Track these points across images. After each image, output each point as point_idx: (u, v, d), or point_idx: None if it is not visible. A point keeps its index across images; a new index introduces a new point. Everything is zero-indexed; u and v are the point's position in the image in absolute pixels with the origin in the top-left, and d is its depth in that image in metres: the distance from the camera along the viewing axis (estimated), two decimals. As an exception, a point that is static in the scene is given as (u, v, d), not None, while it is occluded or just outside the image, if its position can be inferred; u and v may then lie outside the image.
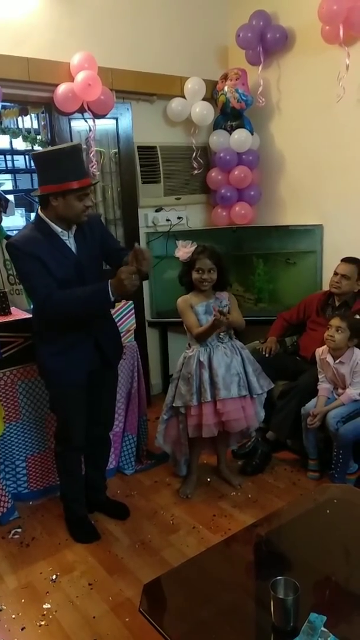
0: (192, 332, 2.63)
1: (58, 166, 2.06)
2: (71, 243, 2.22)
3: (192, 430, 2.64)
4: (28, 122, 3.76)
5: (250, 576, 1.72)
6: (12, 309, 2.76)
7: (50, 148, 2.69)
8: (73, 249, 2.21)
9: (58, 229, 2.16)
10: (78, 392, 2.33)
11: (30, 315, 2.46)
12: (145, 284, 3.94)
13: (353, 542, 1.81)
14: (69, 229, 2.20)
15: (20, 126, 3.87)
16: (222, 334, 2.65)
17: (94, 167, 3.36)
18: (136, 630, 1.91)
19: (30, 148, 3.65)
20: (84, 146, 3.37)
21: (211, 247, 2.63)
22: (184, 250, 2.60)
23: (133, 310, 2.95)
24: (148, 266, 2.08)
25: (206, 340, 2.63)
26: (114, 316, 2.57)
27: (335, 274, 3.07)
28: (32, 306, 2.42)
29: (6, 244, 2.16)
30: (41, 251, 2.09)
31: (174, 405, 2.68)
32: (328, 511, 1.99)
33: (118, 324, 2.62)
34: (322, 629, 1.25)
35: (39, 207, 2.20)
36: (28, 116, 3.57)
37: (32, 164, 2.24)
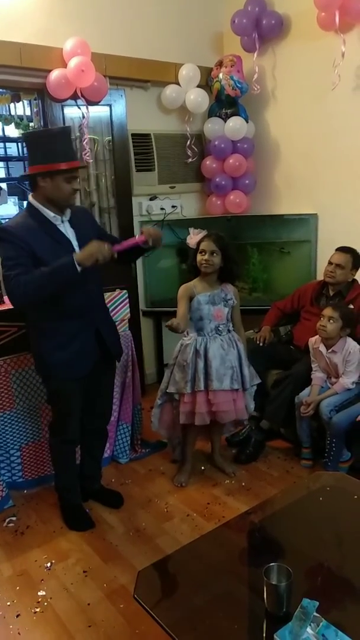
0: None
1: (47, 147, 2.07)
2: (66, 229, 2.19)
3: (184, 417, 2.66)
4: (20, 108, 3.72)
5: (243, 563, 1.73)
6: (5, 297, 2.74)
7: (40, 129, 2.65)
8: (68, 235, 2.19)
9: (50, 214, 2.14)
10: (77, 386, 2.31)
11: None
12: (140, 273, 3.94)
13: (345, 529, 1.83)
14: (62, 214, 2.18)
15: (13, 113, 3.83)
16: (221, 326, 2.65)
17: (87, 154, 3.32)
18: (130, 617, 1.93)
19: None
20: (77, 133, 3.33)
21: (218, 234, 2.64)
22: (194, 237, 2.68)
23: (127, 300, 2.94)
24: (160, 243, 2.25)
25: (204, 330, 2.63)
26: (107, 305, 2.56)
27: (330, 263, 3.07)
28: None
29: None
30: (33, 239, 2.07)
31: (168, 391, 2.70)
32: (321, 499, 2.00)
33: (112, 314, 2.61)
34: (315, 614, 1.26)
35: (30, 193, 2.18)
36: (20, 103, 3.53)
37: (25, 150, 2.23)
